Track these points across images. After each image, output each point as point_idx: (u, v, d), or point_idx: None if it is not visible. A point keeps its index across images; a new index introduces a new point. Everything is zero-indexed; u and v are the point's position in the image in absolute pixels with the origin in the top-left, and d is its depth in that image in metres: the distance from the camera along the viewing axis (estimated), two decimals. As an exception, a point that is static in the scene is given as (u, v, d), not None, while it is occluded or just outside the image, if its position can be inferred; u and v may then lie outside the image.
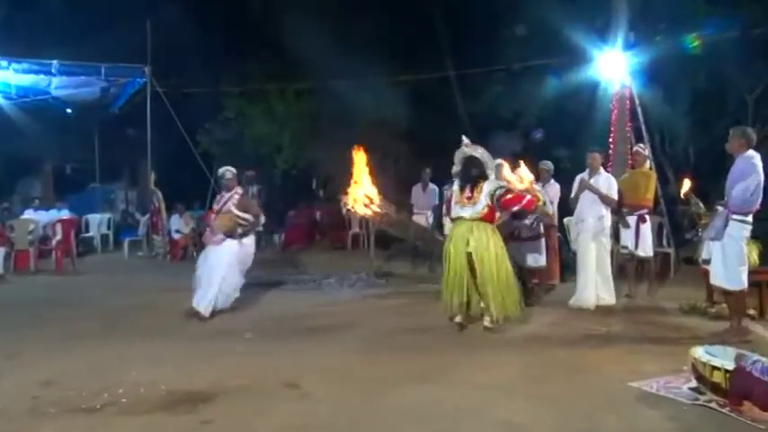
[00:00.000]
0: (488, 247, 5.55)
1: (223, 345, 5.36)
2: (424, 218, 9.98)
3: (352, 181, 6.68)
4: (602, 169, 6.97)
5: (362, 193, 6.67)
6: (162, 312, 6.82)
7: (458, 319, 5.80)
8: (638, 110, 9.80)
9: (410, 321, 6.33)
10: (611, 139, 9.83)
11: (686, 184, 6.80)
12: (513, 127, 14.97)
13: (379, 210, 6.66)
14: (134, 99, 13.95)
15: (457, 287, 5.63)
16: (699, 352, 4.00)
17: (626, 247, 7.38)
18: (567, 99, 12.65)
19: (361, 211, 6.59)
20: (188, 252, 12.46)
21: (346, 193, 6.54)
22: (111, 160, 17.28)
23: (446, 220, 7.82)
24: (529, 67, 12.80)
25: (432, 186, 10.44)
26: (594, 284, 6.75)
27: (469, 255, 5.57)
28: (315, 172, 16.41)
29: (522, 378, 4.44)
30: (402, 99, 15.19)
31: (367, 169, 6.72)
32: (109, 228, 14.38)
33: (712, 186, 7.32)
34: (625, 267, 7.63)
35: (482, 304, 5.66)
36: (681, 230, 8.88)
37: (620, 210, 7.10)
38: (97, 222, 14.03)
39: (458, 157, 6.07)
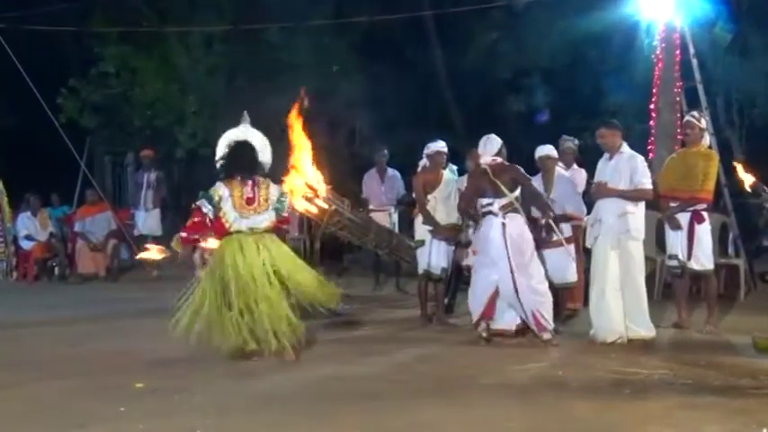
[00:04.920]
0: (290, 261, 6.27)
1: (99, 403, 5.14)
2: (385, 216, 10.05)
3: (287, 165, 6.58)
4: (624, 145, 7.01)
5: (303, 183, 6.59)
6: (5, 362, 6.46)
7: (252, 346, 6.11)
8: (694, 62, 9.85)
9: (369, 363, 6.30)
10: (652, 105, 9.90)
11: (742, 174, 6.75)
12: (513, 89, 15.04)
13: (326, 206, 6.59)
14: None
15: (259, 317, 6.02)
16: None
17: (675, 257, 7.41)
18: (589, 48, 12.74)
19: (301, 207, 6.54)
20: (47, 268, 12.14)
21: (280, 183, 6.45)
22: None
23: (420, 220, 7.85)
24: (537, 3, 12.83)
25: (391, 172, 10.60)
26: (619, 308, 6.80)
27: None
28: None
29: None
30: (357, 51, 15.12)
31: (309, 149, 6.66)
32: None
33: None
34: (673, 286, 7.66)
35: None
36: (756, 235, 8.99)
37: (659, 202, 7.13)
38: None
39: (226, 141, 6.41)
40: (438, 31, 15.63)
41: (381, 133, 13.82)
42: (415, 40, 15.66)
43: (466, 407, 5.02)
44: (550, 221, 6.98)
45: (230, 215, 6.16)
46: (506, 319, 6.93)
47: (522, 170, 6.96)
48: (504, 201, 6.74)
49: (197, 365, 6.11)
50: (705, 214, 7.37)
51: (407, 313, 8.43)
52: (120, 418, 4.84)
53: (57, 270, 12.24)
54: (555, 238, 7.17)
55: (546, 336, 6.70)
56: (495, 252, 6.71)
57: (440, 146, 7.89)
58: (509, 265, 6.62)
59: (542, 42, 13.58)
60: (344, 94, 13.96)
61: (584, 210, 7.53)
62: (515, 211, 6.75)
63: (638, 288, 6.86)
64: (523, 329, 6.96)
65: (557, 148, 7.88)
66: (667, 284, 7.94)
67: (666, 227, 7.44)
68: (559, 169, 7.62)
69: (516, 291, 6.64)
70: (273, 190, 6.30)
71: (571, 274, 7.37)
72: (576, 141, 8.36)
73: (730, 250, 9.21)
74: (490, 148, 6.95)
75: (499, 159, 6.91)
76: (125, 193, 15.49)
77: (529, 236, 6.79)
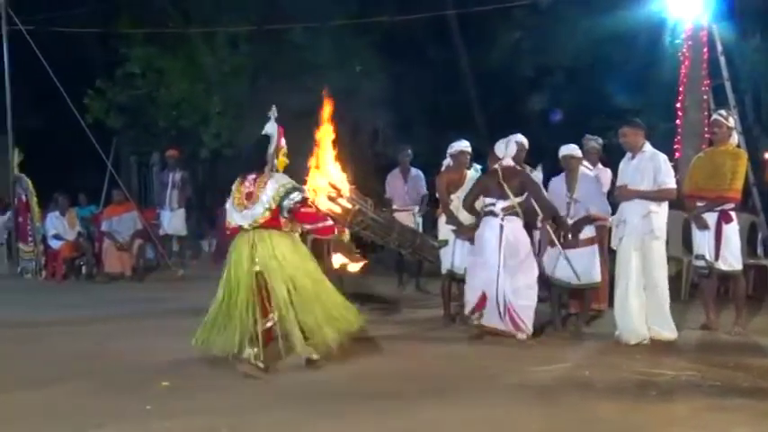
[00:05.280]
0: (282, 261, 5.85)
1: (123, 402, 5.18)
2: (409, 216, 10.02)
3: (311, 165, 6.62)
4: (647, 144, 6.96)
5: (326, 182, 6.59)
6: (32, 361, 6.55)
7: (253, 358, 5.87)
8: (722, 60, 9.75)
9: (389, 363, 6.30)
10: (679, 104, 9.81)
11: None
12: (536, 88, 14.98)
13: (349, 205, 6.60)
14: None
15: (238, 320, 5.78)
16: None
17: (702, 258, 7.32)
18: (614, 46, 12.64)
19: (325, 206, 6.51)
20: (75, 267, 12.22)
21: (303, 182, 6.45)
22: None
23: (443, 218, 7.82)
24: (560, 2, 12.77)
25: (415, 172, 10.58)
26: (642, 310, 6.78)
27: (258, 275, 5.83)
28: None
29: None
30: (380, 50, 15.11)
31: (332, 149, 6.67)
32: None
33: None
34: (701, 286, 7.57)
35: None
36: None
37: (686, 202, 7.06)
38: None
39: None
40: (460, 30, 15.58)
41: (404, 133, 13.81)
42: (437, 39, 15.63)
43: (479, 406, 5.03)
44: (548, 228, 7.07)
45: (229, 212, 6.06)
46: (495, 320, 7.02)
47: (532, 177, 7.22)
48: (506, 203, 6.94)
49: (221, 365, 6.09)
50: (733, 214, 7.28)
51: (430, 313, 8.39)
52: (144, 416, 4.87)
53: (84, 269, 12.30)
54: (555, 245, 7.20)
55: (521, 336, 6.87)
56: (489, 252, 6.92)
57: (463, 145, 7.86)
58: (498, 267, 6.83)
59: (566, 41, 13.53)
60: (367, 93, 13.97)
61: (609, 210, 7.47)
62: (515, 214, 6.95)
63: (660, 288, 6.82)
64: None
65: (580, 147, 7.81)
66: (694, 285, 7.84)
67: (693, 227, 7.35)
68: (584, 169, 7.56)
69: (497, 291, 6.83)
70: (271, 183, 5.90)
71: (593, 275, 7.30)
72: (600, 140, 8.30)
73: (759, 250, 9.11)
74: (510, 151, 7.12)
75: (512, 163, 7.08)
76: (150, 193, 15.59)
77: (525, 239, 7.01)
